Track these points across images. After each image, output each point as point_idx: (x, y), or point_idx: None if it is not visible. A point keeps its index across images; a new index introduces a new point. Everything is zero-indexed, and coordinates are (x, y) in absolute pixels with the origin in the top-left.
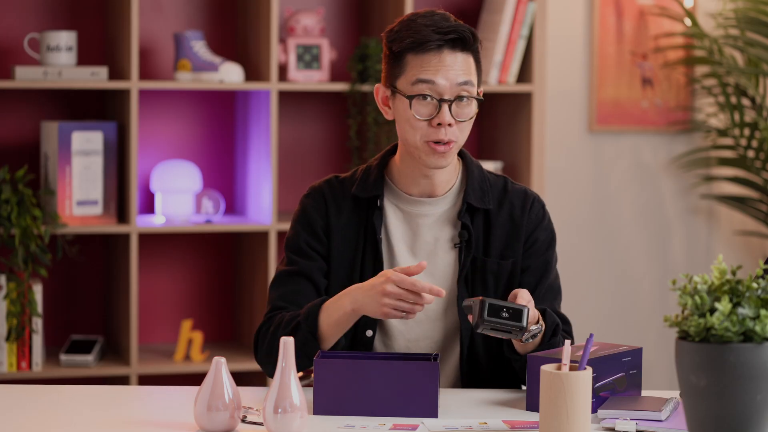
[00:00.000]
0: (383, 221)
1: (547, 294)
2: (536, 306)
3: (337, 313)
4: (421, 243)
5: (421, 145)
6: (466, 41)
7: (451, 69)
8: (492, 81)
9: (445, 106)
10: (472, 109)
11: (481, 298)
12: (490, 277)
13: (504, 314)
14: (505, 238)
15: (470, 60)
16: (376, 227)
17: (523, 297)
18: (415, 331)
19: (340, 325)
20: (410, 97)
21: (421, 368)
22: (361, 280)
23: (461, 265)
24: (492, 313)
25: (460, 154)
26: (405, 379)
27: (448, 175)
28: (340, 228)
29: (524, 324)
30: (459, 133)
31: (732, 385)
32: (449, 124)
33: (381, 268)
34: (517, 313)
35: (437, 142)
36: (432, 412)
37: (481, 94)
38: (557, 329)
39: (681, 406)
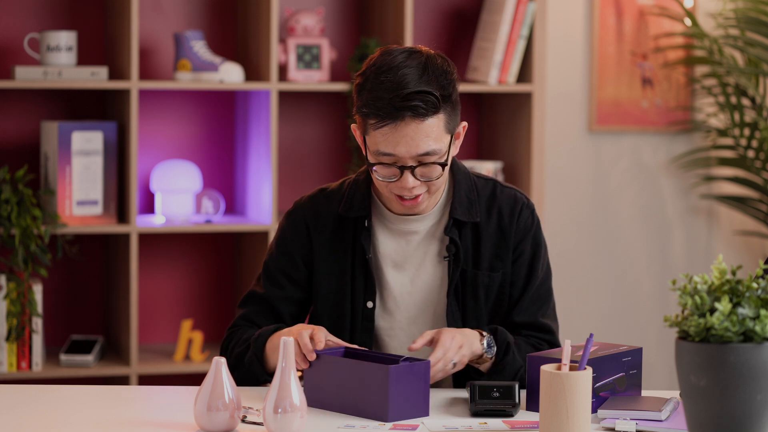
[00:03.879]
0: (371, 240)
1: (532, 304)
2: (516, 317)
3: (275, 339)
4: (409, 258)
5: (389, 195)
6: (429, 108)
7: (412, 140)
8: (492, 81)
9: (407, 173)
10: (438, 170)
11: (470, 382)
12: (480, 290)
13: (495, 394)
14: (494, 249)
15: (436, 122)
16: (365, 247)
17: (444, 344)
18: (408, 334)
19: (276, 353)
20: (371, 165)
21: (377, 370)
22: (353, 298)
23: (450, 278)
24: (483, 395)
25: None
26: (364, 379)
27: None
28: (324, 246)
29: (517, 400)
30: (429, 187)
31: (732, 385)
32: (413, 187)
33: (372, 287)
34: (508, 391)
35: (402, 196)
36: (384, 415)
37: (464, 129)
38: (509, 348)
39: (681, 406)
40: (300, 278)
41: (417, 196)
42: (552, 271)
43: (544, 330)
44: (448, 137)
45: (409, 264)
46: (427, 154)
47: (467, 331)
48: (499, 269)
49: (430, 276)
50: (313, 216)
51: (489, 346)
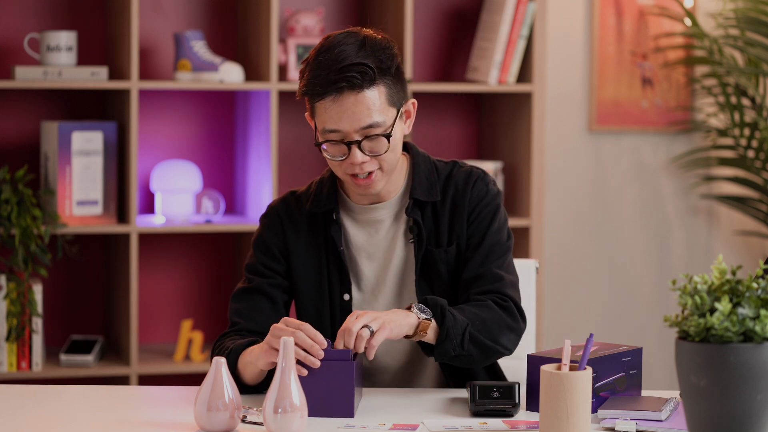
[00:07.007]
0: (341, 233)
1: (484, 257)
2: (466, 274)
3: (246, 356)
4: (380, 247)
5: (344, 177)
6: (365, 79)
7: (353, 113)
8: (492, 81)
9: (354, 148)
10: (383, 143)
11: (471, 382)
12: (441, 267)
13: (495, 394)
14: (449, 223)
15: (376, 94)
16: (335, 240)
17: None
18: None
19: (246, 367)
20: (319, 144)
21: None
22: (330, 292)
23: (416, 258)
24: (483, 395)
25: (406, 148)
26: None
27: (394, 179)
28: (300, 245)
29: (517, 400)
30: (380, 164)
31: (732, 385)
32: (363, 162)
33: (347, 279)
34: (508, 391)
35: (356, 176)
36: (349, 412)
37: (414, 106)
38: (444, 311)
39: (681, 406)
40: (281, 270)
41: (370, 175)
42: (514, 237)
43: (492, 279)
44: (393, 111)
45: (380, 252)
46: (371, 126)
47: (391, 311)
48: (453, 242)
49: (400, 261)
50: (287, 215)
51: (421, 311)
